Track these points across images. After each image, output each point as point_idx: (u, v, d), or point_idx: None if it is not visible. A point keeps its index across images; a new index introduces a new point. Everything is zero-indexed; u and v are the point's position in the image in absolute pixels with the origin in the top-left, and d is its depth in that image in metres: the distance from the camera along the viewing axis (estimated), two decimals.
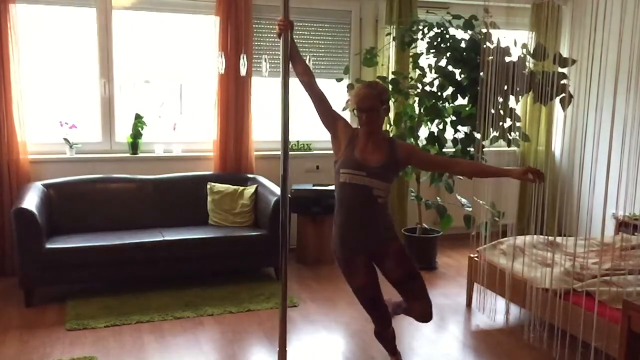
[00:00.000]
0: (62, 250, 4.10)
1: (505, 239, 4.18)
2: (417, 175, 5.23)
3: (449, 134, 5.05)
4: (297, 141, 5.57)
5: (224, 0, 5.02)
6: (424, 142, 5.09)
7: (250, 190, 4.90)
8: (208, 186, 4.91)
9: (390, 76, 5.31)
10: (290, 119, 2.88)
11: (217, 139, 5.21)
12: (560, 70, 3.97)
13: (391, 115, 5.43)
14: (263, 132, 5.44)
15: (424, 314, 3.06)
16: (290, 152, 2.93)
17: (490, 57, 3.99)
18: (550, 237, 4.02)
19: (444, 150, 5.04)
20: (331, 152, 5.56)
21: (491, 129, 4.17)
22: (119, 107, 5.12)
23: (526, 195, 5.83)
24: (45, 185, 4.56)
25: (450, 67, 4.86)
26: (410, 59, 5.34)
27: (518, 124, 4.67)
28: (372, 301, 3.03)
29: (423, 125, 5.13)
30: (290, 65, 2.92)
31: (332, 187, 5.40)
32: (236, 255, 4.61)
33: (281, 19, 2.82)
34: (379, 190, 2.85)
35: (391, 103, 5.35)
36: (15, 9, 4.56)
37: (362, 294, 3.01)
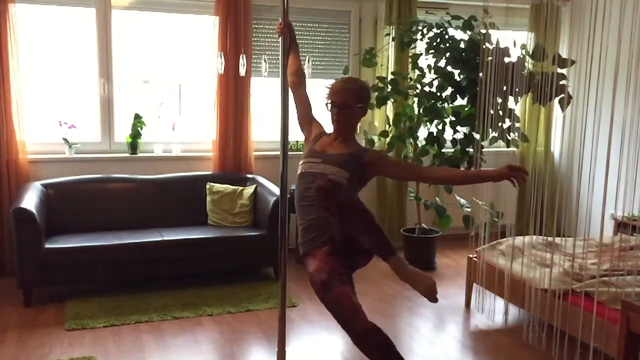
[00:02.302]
0: (61, 250, 4.09)
1: (504, 239, 4.19)
2: None
3: (448, 134, 5.06)
4: (297, 141, 5.57)
5: (223, 0, 5.02)
6: (423, 143, 5.09)
7: (249, 190, 4.90)
8: (207, 186, 4.91)
9: (390, 77, 5.31)
10: (289, 119, 2.88)
11: (216, 139, 5.21)
12: (559, 71, 3.98)
13: (390, 115, 5.44)
14: (262, 132, 5.44)
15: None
16: (289, 152, 2.93)
17: (490, 58, 3.99)
18: (549, 238, 4.02)
19: (443, 150, 5.04)
20: None
21: (490, 130, 4.18)
22: (118, 107, 5.12)
23: (525, 196, 5.82)
24: (44, 185, 4.56)
25: (449, 68, 4.86)
26: (410, 60, 5.35)
27: (517, 125, 4.67)
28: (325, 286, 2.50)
29: (422, 126, 5.13)
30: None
31: None
32: (235, 255, 4.61)
33: (280, 23, 2.83)
34: (336, 177, 2.57)
35: (390, 103, 5.36)
36: (14, 9, 4.56)
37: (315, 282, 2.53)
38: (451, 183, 2.84)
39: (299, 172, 2.77)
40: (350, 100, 2.67)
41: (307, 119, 2.92)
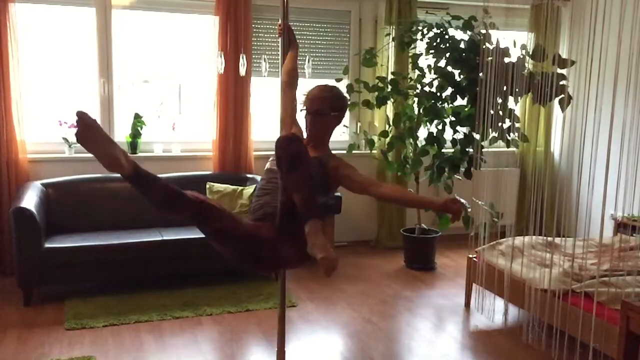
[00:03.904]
0: (61, 249, 4.09)
1: (504, 239, 4.18)
2: (416, 175, 5.23)
3: (448, 134, 5.06)
4: None
5: (223, 0, 5.02)
6: (423, 143, 5.09)
7: (249, 190, 4.89)
8: (207, 186, 4.91)
9: (390, 76, 5.31)
10: None
11: (216, 138, 5.21)
12: (559, 71, 3.98)
13: (390, 115, 5.44)
14: (262, 132, 5.44)
15: None
16: None
17: (490, 58, 3.99)
18: (549, 238, 4.03)
19: (443, 150, 5.05)
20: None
21: (490, 130, 4.18)
22: (118, 107, 5.12)
23: (525, 196, 5.83)
24: (44, 185, 4.56)
25: (449, 68, 4.86)
26: (410, 60, 5.35)
27: (517, 125, 4.67)
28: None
29: (422, 126, 5.13)
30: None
31: None
32: None
33: (279, 24, 2.84)
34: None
35: (390, 103, 5.36)
36: (14, 8, 4.56)
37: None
38: (397, 203, 2.66)
39: (265, 167, 2.76)
40: (325, 108, 2.62)
41: (288, 120, 2.91)
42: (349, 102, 5.09)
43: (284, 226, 2.43)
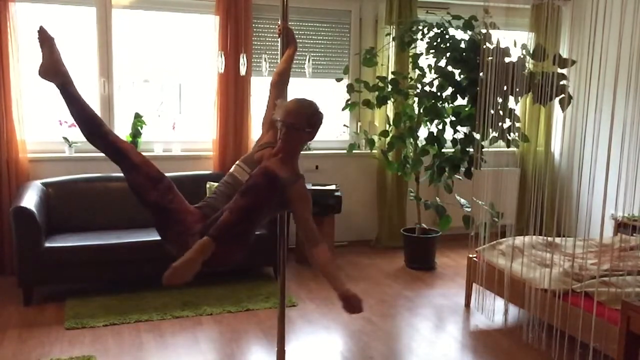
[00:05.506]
0: (61, 249, 4.09)
1: (504, 239, 4.19)
2: (416, 175, 5.23)
3: (449, 134, 5.06)
4: None
5: None
6: (424, 142, 5.09)
7: None
8: (207, 185, 4.91)
9: (390, 76, 5.31)
10: None
11: (216, 138, 5.21)
12: (559, 71, 3.98)
13: (390, 115, 5.44)
14: None
15: None
16: None
17: (490, 58, 3.99)
18: (549, 238, 4.02)
19: (443, 150, 5.04)
20: (331, 151, 5.55)
21: (490, 130, 4.18)
22: (118, 106, 5.12)
23: (525, 196, 5.83)
24: (44, 184, 4.56)
25: (449, 68, 4.86)
26: (410, 59, 5.35)
27: (517, 125, 4.67)
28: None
29: (422, 126, 5.13)
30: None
31: (332, 187, 5.38)
32: None
33: (279, 25, 2.84)
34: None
35: (390, 103, 5.36)
36: (14, 8, 4.56)
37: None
38: (318, 269, 2.63)
39: (231, 169, 2.72)
40: (301, 122, 2.57)
41: (269, 122, 2.86)
42: (350, 102, 5.13)
43: (209, 226, 2.46)
